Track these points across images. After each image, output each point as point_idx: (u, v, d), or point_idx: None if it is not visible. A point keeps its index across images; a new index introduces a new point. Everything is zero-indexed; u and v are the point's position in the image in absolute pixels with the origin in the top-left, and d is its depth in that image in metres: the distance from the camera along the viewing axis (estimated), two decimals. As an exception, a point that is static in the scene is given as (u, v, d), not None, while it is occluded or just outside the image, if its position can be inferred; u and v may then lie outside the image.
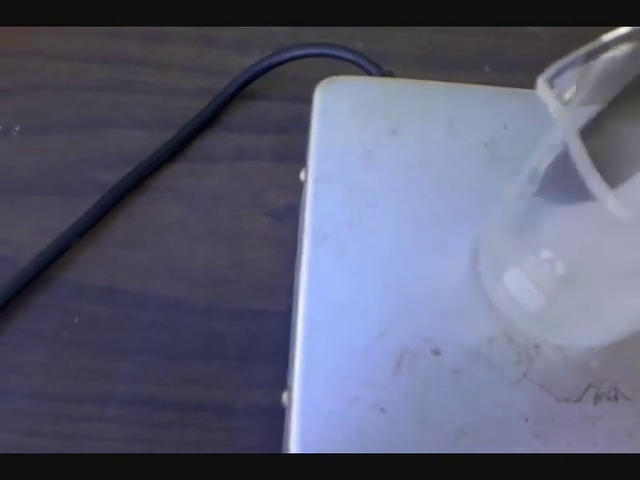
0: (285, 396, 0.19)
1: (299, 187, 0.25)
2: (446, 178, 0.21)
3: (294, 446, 0.18)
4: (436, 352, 0.18)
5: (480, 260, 0.20)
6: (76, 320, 0.28)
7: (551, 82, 0.15)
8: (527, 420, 0.18)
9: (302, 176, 0.21)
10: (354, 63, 0.31)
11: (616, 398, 0.18)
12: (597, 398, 0.18)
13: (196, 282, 0.29)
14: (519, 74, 0.23)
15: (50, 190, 0.30)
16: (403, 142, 0.21)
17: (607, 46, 0.16)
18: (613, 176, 0.14)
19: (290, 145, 0.32)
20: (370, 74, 0.30)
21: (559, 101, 0.15)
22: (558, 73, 0.15)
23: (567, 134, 0.14)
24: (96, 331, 0.28)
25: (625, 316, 0.18)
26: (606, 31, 0.16)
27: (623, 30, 0.16)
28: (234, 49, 0.34)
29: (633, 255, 0.15)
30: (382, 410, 0.18)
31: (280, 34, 0.35)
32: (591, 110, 0.16)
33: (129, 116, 0.32)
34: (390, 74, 0.30)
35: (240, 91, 0.32)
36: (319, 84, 0.22)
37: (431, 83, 0.22)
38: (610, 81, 0.17)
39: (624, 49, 0.17)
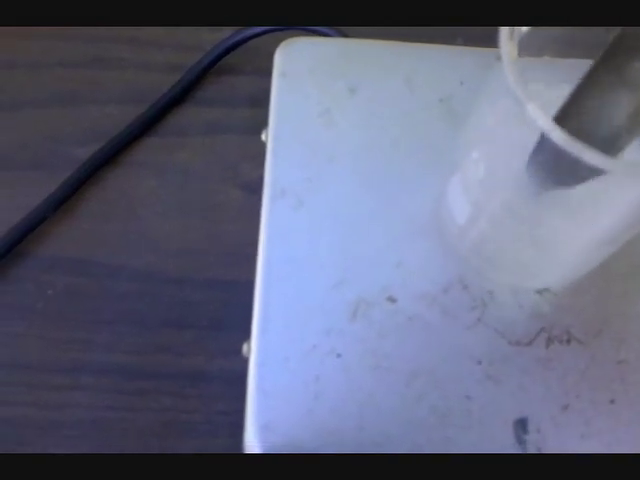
0: (245, 347, 0.19)
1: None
2: (403, 134, 0.21)
3: (252, 393, 0.18)
4: (391, 300, 0.19)
5: (441, 207, 0.20)
6: (50, 292, 0.28)
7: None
8: (480, 362, 0.18)
9: (263, 137, 0.22)
10: (320, 34, 0.32)
11: (568, 341, 0.19)
12: (549, 341, 0.19)
13: (168, 253, 0.29)
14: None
15: (24, 166, 0.30)
16: (361, 100, 0.22)
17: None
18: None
19: (263, 118, 0.31)
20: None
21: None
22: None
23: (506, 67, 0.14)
24: (70, 302, 0.28)
25: (569, 252, 0.18)
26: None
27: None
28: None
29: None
30: (338, 356, 0.18)
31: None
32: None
33: (102, 92, 0.32)
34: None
35: (212, 66, 0.33)
36: (279, 46, 0.23)
37: (389, 42, 0.23)
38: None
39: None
